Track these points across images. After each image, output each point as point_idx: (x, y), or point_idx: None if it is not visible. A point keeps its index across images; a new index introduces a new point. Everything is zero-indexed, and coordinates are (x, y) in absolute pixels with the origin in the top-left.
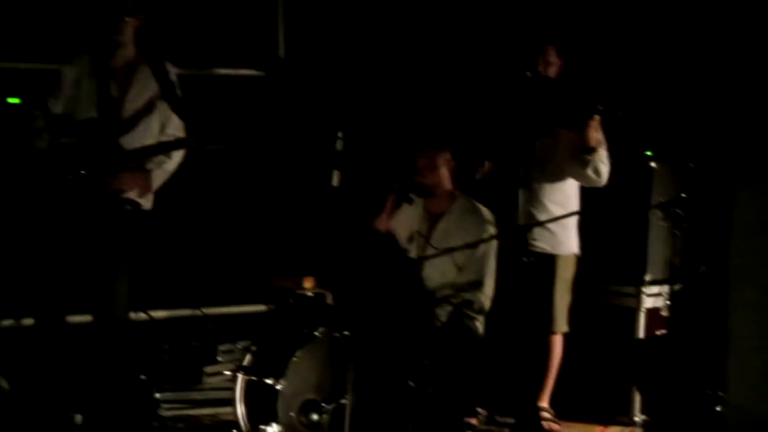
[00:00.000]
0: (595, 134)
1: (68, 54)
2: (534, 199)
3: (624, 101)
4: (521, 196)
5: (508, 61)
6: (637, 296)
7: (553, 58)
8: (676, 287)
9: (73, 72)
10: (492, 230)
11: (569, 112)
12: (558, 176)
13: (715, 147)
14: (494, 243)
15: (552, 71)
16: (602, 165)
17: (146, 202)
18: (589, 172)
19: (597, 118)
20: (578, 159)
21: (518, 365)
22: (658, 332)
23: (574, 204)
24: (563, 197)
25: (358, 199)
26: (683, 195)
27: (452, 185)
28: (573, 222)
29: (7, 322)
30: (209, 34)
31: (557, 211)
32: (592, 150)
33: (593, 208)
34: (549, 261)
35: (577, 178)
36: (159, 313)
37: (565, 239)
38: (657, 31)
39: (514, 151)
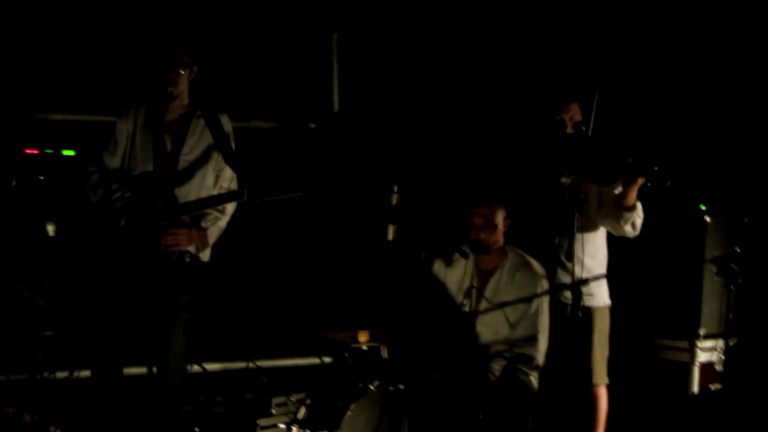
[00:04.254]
0: (635, 192)
1: (123, 106)
2: (566, 250)
3: (676, 155)
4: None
5: (539, 116)
6: (691, 350)
7: (577, 115)
8: (731, 342)
9: (127, 125)
10: (545, 285)
11: (599, 168)
12: (590, 228)
13: None
14: (547, 298)
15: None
16: (638, 219)
17: (204, 255)
18: (628, 227)
19: (640, 179)
20: (617, 215)
21: (566, 419)
22: (712, 387)
23: (603, 255)
24: (595, 249)
25: (413, 254)
26: (737, 249)
27: (504, 240)
28: (604, 274)
29: (62, 374)
30: (264, 86)
31: (590, 263)
32: (633, 207)
33: (647, 262)
34: (585, 314)
35: (612, 231)
36: (213, 366)
37: (598, 291)
38: (707, 86)
39: (548, 203)
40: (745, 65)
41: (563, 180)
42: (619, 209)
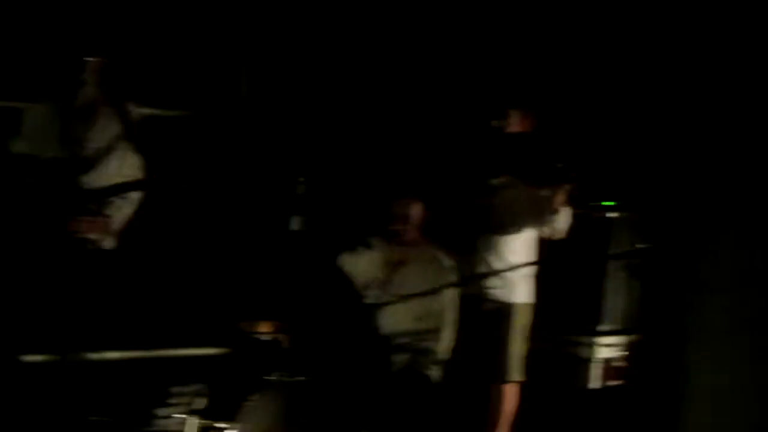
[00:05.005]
0: (563, 198)
1: (31, 93)
2: (493, 246)
3: (584, 153)
4: (480, 243)
5: (473, 112)
6: (593, 346)
7: (515, 119)
8: (632, 338)
9: (36, 111)
10: (453, 279)
11: (530, 169)
12: (518, 227)
13: (674, 197)
14: (455, 293)
15: (511, 131)
16: (563, 224)
17: (108, 243)
18: (550, 230)
19: (568, 186)
20: (542, 216)
21: (473, 414)
22: (612, 383)
23: (531, 253)
24: (521, 247)
25: (317, 244)
26: (641, 246)
27: (418, 234)
28: (530, 271)
29: None
30: (172, 74)
31: (515, 261)
32: (557, 212)
33: (552, 257)
34: (506, 309)
35: (537, 231)
36: (111, 354)
37: (521, 288)
38: (620, 81)
39: (476, 199)
40: (654, 65)
41: (494, 182)
42: (545, 211)
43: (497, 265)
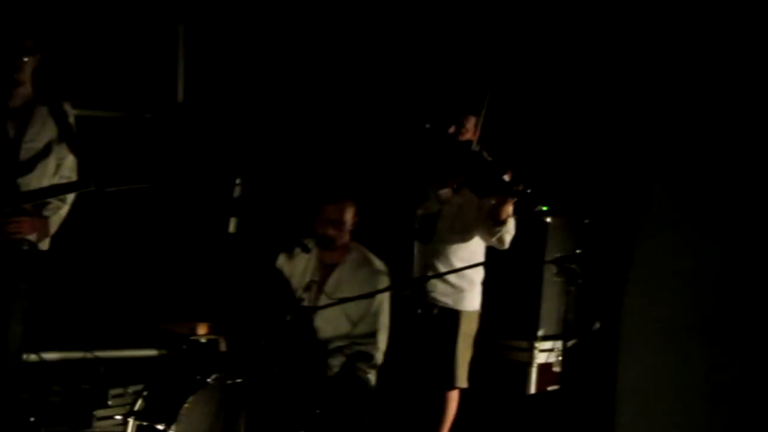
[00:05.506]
0: (510, 209)
1: None
2: (440, 253)
3: (523, 161)
4: (417, 248)
5: (409, 112)
6: (530, 351)
7: (470, 126)
8: (569, 343)
9: None
10: (386, 282)
11: (478, 179)
12: (465, 235)
13: (611, 203)
14: (387, 297)
15: (465, 138)
16: (507, 235)
17: (44, 244)
18: (494, 240)
19: (513, 199)
20: (487, 226)
21: (412, 419)
22: (549, 388)
23: (478, 261)
24: (469, 254)
25: (254, 246)
26: (578, 251)
27: (350, 238)
28: (479, 279)
29: None
30: (108, 75)
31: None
32: (503, 222)
33: (489, 262)
34: (452, 316)
35: (482, 240)
36: (50, 355)
37: (469, 296)
38: (553, 88)
39: (411, 202)
40: (588, 74)
41: (442, 192)
42: (490, 221)
43: (443, 271)
